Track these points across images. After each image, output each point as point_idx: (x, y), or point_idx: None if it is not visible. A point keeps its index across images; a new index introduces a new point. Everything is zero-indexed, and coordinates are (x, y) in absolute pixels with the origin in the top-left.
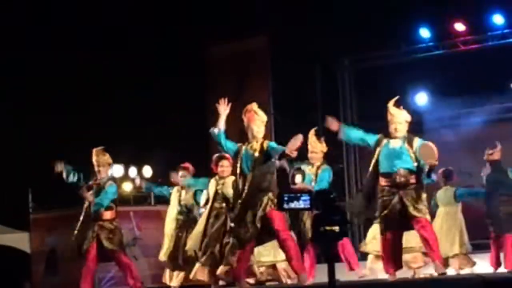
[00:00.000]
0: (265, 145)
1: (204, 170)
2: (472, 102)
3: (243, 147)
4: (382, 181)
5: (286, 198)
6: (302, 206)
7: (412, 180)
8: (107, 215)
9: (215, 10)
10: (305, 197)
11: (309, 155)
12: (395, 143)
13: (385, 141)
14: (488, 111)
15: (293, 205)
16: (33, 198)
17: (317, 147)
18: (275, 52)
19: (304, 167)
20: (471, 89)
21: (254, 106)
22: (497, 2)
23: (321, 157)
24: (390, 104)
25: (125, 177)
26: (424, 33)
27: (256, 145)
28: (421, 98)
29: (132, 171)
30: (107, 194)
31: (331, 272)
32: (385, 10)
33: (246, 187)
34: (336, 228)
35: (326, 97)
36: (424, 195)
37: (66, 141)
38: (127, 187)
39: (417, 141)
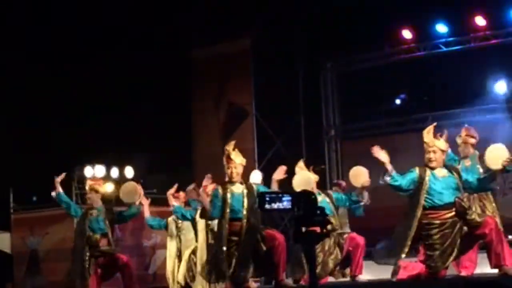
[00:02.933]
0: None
1: (186, 172)
2: (455, 103)
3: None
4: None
5: (267, 199)
6: (283, 206)
7: None
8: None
9: (198, 13)
10: (287, 197)
11: None
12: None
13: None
14: (470, 113)
15: (275, 205)
16: (15, 198)
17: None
18: (257, 54)
19: None
20: (453, 90)
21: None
22: (479, 4)
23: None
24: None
25: (107, 177)
26: (407, 34)
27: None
28: (403, 99)
29: (114, 171)
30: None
31: (313, 273)
32: (367, 12)
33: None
34: (317, 229)
35: (309, 99)
36: None
37: (47, 141)
38: (109, 187)
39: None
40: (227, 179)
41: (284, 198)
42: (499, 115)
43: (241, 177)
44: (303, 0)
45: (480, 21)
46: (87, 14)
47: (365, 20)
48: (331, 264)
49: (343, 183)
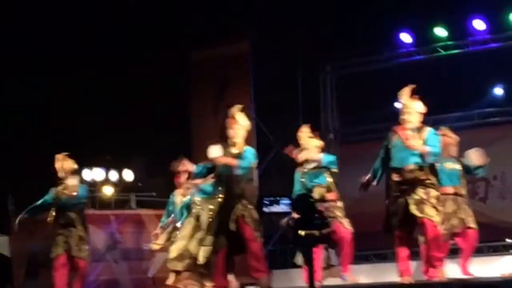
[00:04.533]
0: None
1: None
2: (453, 107)
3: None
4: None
5: (266, 202)
6: (282, 209)
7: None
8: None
9: (197, 16)
10: (285, 200)
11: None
12: None
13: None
14: (468, 116)
15: (274, 208)
16: (14, 202)
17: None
18: (257, 57)
19: None
20: (452, 94)
21: (234, 110)
22: (478, 8)
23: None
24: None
25: (106, 180)
26: (406, 38)
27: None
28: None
29: (113, 174)
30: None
31: (311, 276)
32: (366, 15)
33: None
34: (316, 232)
35: (308, 103)
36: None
37: (46, 144)
38: (108, 190)
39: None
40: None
41: (282, 201)
42: (498, 119)
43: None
44: (302, 3)
45: (479, 25)
46: (86, 15)
47: (365, 24)
48: None
49: None
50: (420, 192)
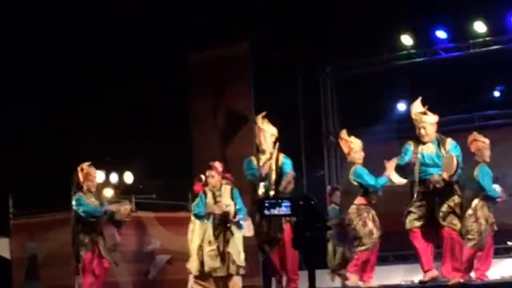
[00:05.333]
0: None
1: (186, 177)
2: (454, 109)
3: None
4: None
5: (267, 205)
6: (283, 212)
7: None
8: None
9: (197, 17)
10: (286, 203)
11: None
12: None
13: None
14: (469, 119)
15: (275, 211)
16: (14, 203)
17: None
18: (257, 59)
19: None
20: (452, 96)
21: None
22: (479, 10)
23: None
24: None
25: (106, 183)
26: (406, 40)
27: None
28: (403, 106)
29: (113, 177)
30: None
31: (312, 278)
32: (366, 17)
33: None
34: (317, 235)
35: (308, 105)
36: None
37: (47, 146)
38: (108, 193)
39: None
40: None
41: (283, 204)
42: (498, 121)
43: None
44: (303, 4)
45: (480, 27)
46: (86, 15)
47: (365, 26)
48: None
49: None
50: (447, 201)
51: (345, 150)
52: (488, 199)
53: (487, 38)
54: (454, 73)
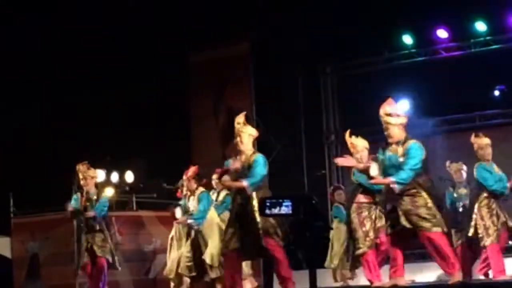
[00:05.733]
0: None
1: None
2: (454, 108)
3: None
4: None
5: (268, 204)
6: (284, 211)
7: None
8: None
9: (197, 17)
10: (287, 202)
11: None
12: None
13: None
14: (470, 118)
15: (275, 210)
16: (15, 203)
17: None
18: (257, 58)
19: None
20: (453, 96)
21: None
22: (480, 9)
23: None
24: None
25: (107, 182)
26: (407, 39)
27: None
28: (404, 105)
29: (114, 176)
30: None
31: (313, 277)
32: (367, 17)
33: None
34: (318, 234)
35: (309, 104)
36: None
37: (47, 146)
38: (109, 192)
39: None
40: None
41: (284, 203)
42: (499, 121)
43: None
44: (302, 4)
45: (481, 26)
46: (86, 15)
47: (365, 25)
48: None
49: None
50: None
51: (350, 150)
52: (495, 196)
53: (488, 38)
54: (454, 72)
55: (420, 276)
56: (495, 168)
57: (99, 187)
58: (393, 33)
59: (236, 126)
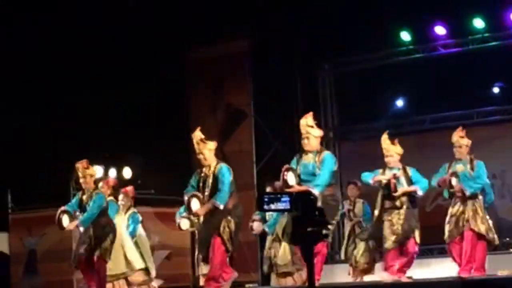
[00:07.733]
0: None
1: (184, 172)
2: (453, 105)
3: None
4: None
5: (266, 199)
6: (282, 207)
7: None
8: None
9: (196, 14)
10: (285, 198)
11: (386, 159)
12: None
13: None
14: (468, 115)
15: (273, 206)
16: (13, 198)
17: (390, 150)
18: (255, 55)
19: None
20: (451, 92)
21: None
22: (478, 6)
23: (398, 160)
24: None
25: (105, 178)
26: (405, 36)
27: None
28: (401, 101)
29: (112, 172)
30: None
31: (311, 274)
32: (365, 13)
33: None
34: (316, 230)
35: (307, 101)
36: None
37: (45, 141)
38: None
39: None
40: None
41: (282, 199)
42: (497, 118)
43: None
44: (301, 1)
45: (479, 23)
46: (86, 15)
47: (364, 22)
48: None
49: (359, 183)
50: None
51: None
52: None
53: (486, 34)
54: (452, 69)
55: (419, 272)
56: None
57: (97, 183)
58: (391, 30)
59: (195, 145)
